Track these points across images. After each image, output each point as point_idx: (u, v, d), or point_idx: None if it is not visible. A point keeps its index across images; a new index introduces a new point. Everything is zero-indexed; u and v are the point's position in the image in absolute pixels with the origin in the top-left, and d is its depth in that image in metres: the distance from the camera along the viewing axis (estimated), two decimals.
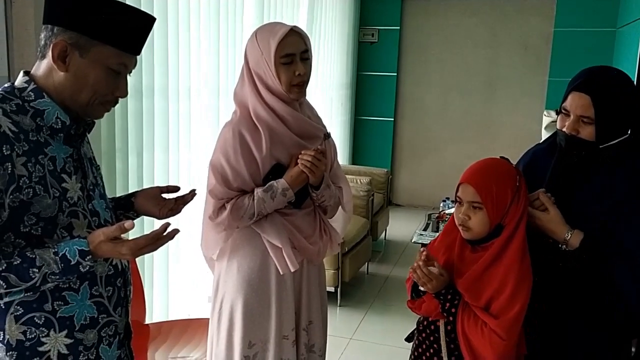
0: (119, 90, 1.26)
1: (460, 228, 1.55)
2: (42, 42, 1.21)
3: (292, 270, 1.88)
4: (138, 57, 1.30)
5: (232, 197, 1.83)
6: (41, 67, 1.22)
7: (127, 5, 1.26)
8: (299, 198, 1.87)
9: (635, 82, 4.42)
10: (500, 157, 1.57)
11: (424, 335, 1.63)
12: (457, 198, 1.55)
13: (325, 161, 1.85)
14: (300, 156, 1.81)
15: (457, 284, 1.53)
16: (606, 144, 1.52)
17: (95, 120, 1.34)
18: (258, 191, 1.82)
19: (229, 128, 1.84)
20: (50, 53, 1.19)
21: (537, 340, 1.57)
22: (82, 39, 1.18)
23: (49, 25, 1.19)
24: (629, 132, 1.56)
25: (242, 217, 1.83)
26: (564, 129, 1.54)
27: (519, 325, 1.47)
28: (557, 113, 1.59)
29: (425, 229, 4.28)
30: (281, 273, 1.88)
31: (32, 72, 1.24)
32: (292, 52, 1.76)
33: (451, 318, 1.53)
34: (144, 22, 1.27)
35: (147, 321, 2.58)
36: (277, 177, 1.83)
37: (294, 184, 1.82)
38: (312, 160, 1.79)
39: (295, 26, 1.79)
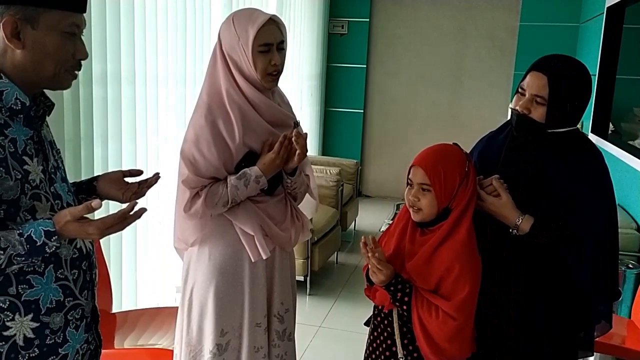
0: (78, 53, 1.26)
1: (410, 210, 1.58)
2: None
3: (264, 257, 1.88)
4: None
5: (205, 185, 1.82)
6: None
7: None
8: (271, 185, 1.88)
9: (597, 76, 4.52)
10: (453, 143, 1.60)
11: (378, 319, 1.66)
12: (409, 180, 1.59)
13: (298, 145, 1.82)
14: (294, 138, 1.79)
15: (407, 267, 1.55)
16: (554, 130, 1.55)
17: (56, 104, 1.32)
18: (231, 179, 1.81)
19: (200, 116, 1.81)
20: (1, 33, 1.17)
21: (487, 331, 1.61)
22: (28, 10, 1.17)
23: None
24: (578, 125, 1.60)
25: (216, 204, 1.82)
26: (517, 107, 1.57)
27: (471, 306, 1.50)
28: (515, 93, 1.61)
29: (393, 219, 4.34)
30: (253, 260, 1.88)
31: None
32: (269, 41, 1.76)
33: (405, 307, 1.53)
34: None
35: (116, 310, 2.56)
36: (249, 165, 1.83)
37: (267, 171, 1.83)
38: (300, 144, 1.79)
39: (274, 15, 1.78)
